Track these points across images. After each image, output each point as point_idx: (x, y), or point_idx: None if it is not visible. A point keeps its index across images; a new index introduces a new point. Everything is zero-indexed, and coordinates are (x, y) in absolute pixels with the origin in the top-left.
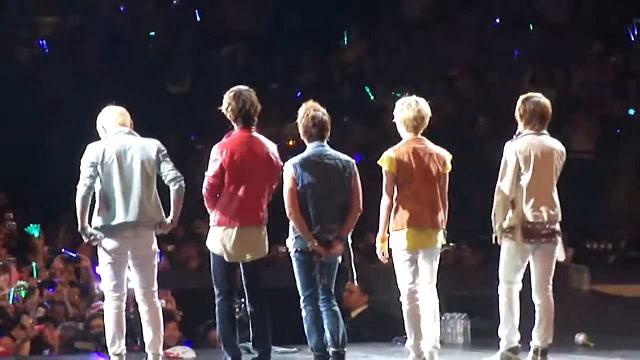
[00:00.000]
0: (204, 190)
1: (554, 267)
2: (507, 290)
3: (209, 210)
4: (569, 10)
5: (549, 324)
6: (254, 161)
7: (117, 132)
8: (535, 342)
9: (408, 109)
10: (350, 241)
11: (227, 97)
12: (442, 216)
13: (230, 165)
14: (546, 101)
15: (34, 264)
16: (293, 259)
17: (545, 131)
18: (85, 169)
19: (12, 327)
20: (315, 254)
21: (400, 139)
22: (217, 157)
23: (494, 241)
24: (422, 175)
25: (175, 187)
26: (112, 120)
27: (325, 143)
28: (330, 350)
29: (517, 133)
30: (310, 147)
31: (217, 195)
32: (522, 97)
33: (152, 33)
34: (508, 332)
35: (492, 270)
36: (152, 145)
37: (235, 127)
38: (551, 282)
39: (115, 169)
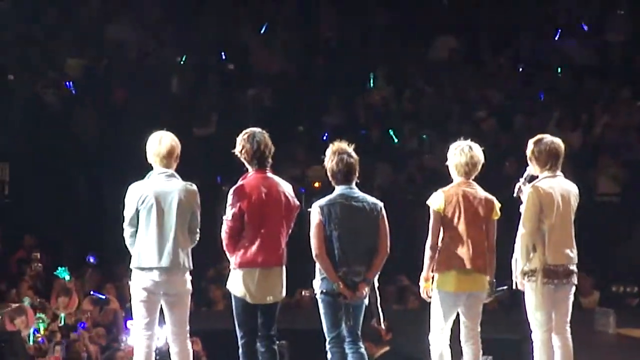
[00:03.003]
0: (223, 234)
1: (571, 308)
2: (540, 334)
3: (228, 254)
4: (596, 54)
5: None
6: (271, 202)
7: (160, 172)
8: None
9: (461, 154)
10: (377, 284)
11: (241, 139)
12: (488, 262)
13: (248, 208)
14: (559, 141)
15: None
16: (319, 301)
17: (559, 172)
18: (129, 210)
19: None
20: (341, 296)
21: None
22: (234, 200)
23: (514, 286)
24: (469, 218)
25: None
26: (157, 157)
27: (353, 185)
28: None
29: (525, 175)
30: (338, 190)
31: (237, 238)
32: (532, 140)
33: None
34: None
35: (515, 313)
36: (192, 194)
37: (250, 169)
38: (569, 323)
39: (154, 213)
